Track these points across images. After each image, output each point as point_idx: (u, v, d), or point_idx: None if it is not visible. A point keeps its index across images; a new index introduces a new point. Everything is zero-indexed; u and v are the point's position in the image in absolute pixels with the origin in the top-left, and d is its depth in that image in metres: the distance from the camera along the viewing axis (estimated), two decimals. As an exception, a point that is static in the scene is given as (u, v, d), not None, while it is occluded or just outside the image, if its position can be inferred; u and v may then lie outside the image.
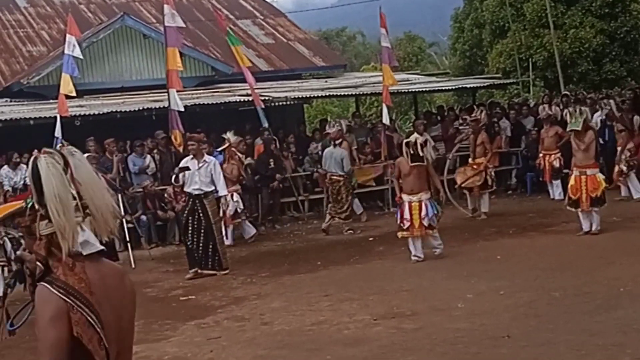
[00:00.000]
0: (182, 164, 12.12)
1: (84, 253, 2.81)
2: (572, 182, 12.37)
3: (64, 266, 2.76)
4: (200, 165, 11.98)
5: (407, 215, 11.36)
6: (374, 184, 16.79)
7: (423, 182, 11.49)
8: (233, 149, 14.65)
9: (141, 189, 15.33)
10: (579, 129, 12.15)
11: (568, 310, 8.33)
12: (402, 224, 11.46)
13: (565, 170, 16.87)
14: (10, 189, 14.98)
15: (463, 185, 15.25)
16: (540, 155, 16.37)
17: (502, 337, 7.53)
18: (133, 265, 12.95)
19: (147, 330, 9.10)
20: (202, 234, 11.90)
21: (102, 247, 2.89)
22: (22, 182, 15.39)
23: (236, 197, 14.41)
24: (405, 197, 11.46)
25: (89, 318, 2.73)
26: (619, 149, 15.79)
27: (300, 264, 12.19)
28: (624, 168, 15.36)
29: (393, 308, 9.04)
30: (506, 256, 11.40)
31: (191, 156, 12.02)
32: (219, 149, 14.79)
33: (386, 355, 7.36)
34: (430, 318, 8.51)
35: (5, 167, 15.29)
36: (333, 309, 9.26)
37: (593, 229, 12.29)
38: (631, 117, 16.19)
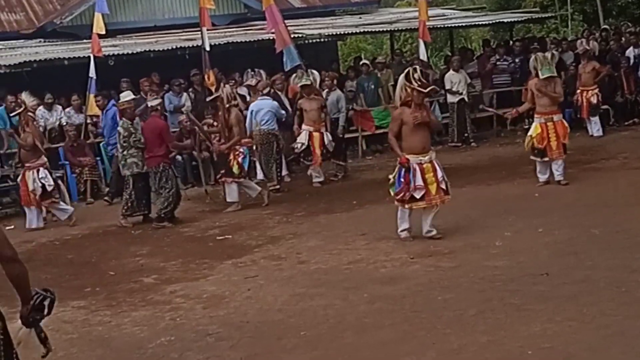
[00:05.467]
0: None
1: None
2: (537, 130, 11.67)
3: None
4: None
5: (419, 181, 9.15)
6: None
7: (429, 139, 9.41)
8: (30, 113, 12.53)
9: (177, 128, 15.23)
10: (555, 74, 11.79)
11: (607, 247, 8.25)
12: (413, 193, 9.14)
13: (604, 107, 16.69)
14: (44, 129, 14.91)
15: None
16: (578, 91, 16.09)
17: (540, 274, 7.49)
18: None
19: (185, 269, 9.19)
20: None
21: None
22: (57, 123, 15.44)
23: (42, 172, 12.09)
24: (412, 158, 9.12)
25: None
26: None
27: (336, 203, 12.15)
28: None
29: (430, 246, 9.02)
30: (544, 193, 11.29)
31: None
32: (13, 114, 13.04)
33: (424, 293, 7.35)
34: (467, 256, 8.48)
35: (41, 107, 14.98)
36: (369, 248, 9.25)
37: (556, 177, 11.72)
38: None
